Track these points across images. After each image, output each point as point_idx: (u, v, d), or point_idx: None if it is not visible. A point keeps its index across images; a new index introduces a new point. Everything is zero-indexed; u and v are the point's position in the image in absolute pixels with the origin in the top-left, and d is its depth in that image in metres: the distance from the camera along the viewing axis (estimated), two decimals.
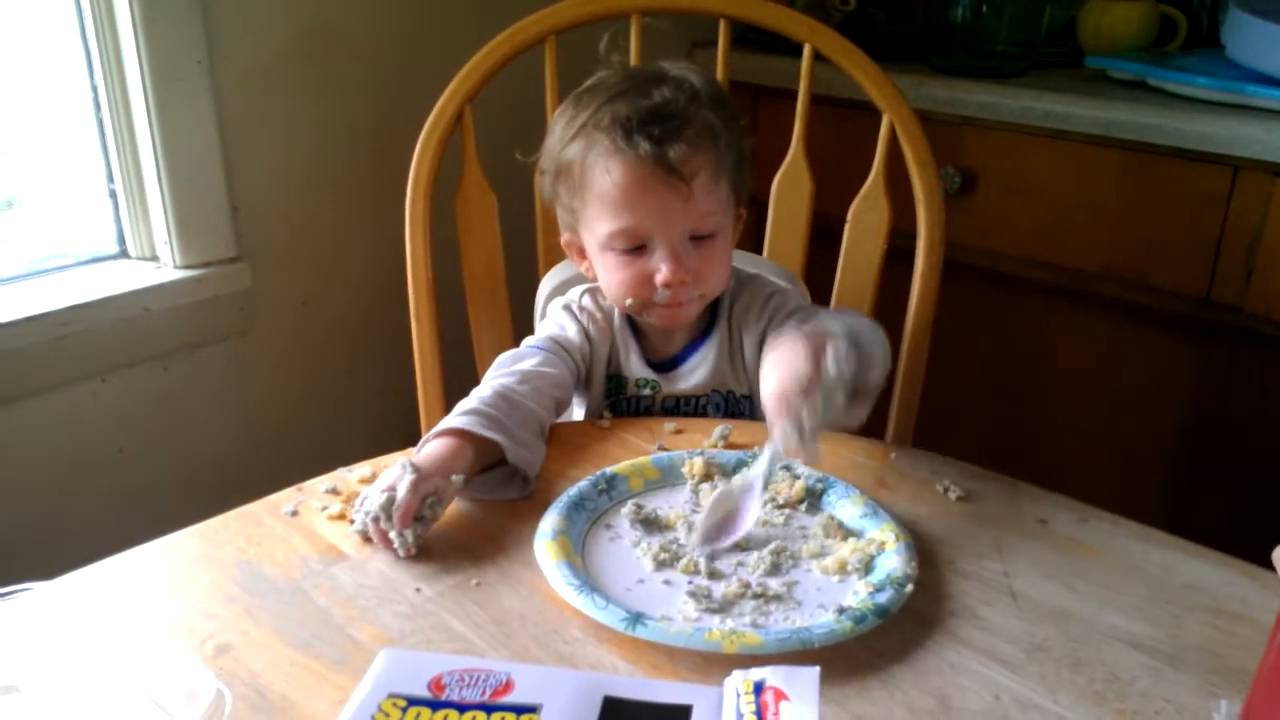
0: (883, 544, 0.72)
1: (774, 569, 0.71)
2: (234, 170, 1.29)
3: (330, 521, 0.76)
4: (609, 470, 0.80)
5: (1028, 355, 1.49)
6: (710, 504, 0.75)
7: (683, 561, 0.71)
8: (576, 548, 0.72)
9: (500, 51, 1.14)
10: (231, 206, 1.29)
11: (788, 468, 0.81)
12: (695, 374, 0.98)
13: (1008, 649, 0.64)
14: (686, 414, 0.99)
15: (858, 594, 0.68)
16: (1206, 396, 1.34)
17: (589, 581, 0.68)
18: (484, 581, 0.70)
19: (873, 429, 0.88)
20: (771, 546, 0.72)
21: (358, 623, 0.66)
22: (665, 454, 0.84)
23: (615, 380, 1.01)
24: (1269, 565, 0.71)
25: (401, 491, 0.72)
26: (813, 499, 0.79)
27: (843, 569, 0.71)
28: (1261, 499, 1.32)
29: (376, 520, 0.72)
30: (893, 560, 0.70)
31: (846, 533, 0.75)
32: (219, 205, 1.28)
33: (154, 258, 1.29)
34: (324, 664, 0.62)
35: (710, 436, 0.88)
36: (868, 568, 0.71)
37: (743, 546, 0.74)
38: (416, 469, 0.74)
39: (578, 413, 1.04)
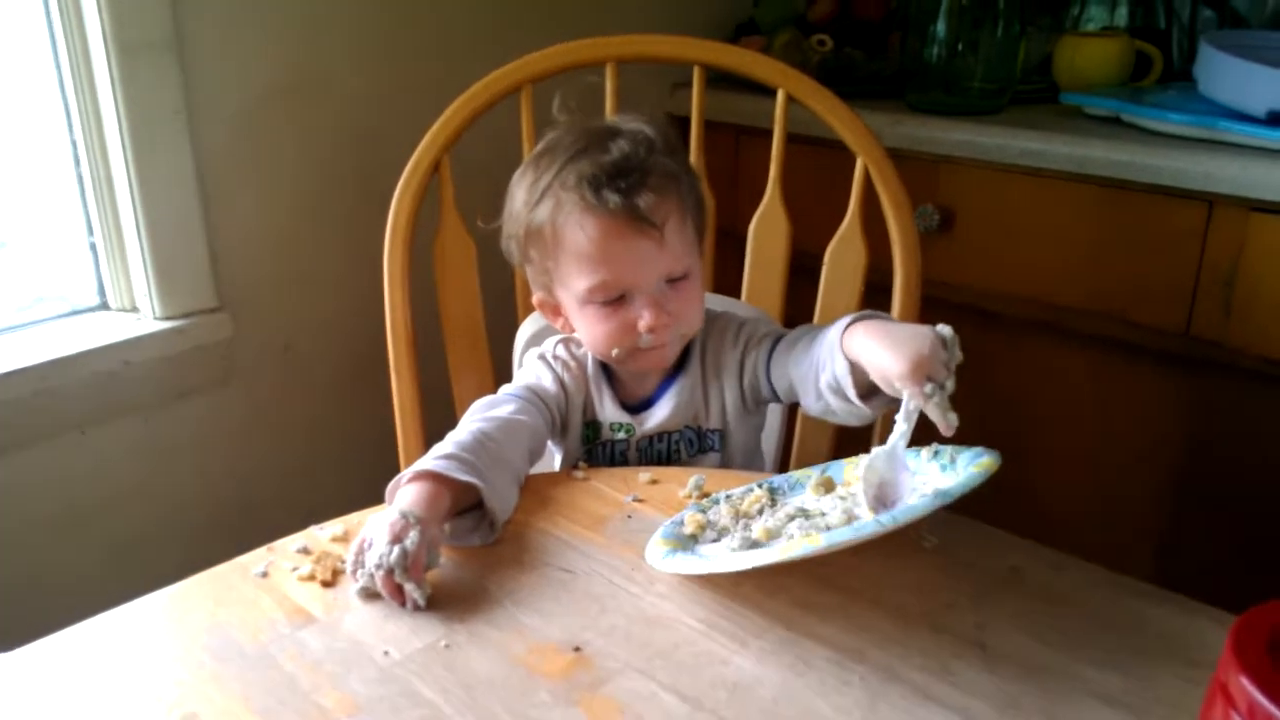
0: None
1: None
2: (213, 220, 1.29)
3: (301, 582, 0.76)
4: (661, 549, 0.76)
5: (1010, 391, 1.49)
6: (864, 480, 0.77)
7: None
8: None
9: (477, 101, 1.15)
10: (211, 256, 1.29)
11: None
12: (664, 410, 0.99)
13: (978, 705, 0.63)
14: (660, 452, 1.00)
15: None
16: (1190, 430, 1.34)
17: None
18: (453, 644, 0.69)
19: None
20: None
21: (324, 689, 0.65)
22: (669, 525, 0.80)
23: (591, 427, 1.01)
24: (1246, 607, 0.71)
25: (412, 543, 0.73)
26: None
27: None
28: (1247, 529, 1.31)
29: (390, 573, 0.72)
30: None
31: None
32: (199, 256, 1.28)
33: (134, 309, 1.29)
34: None
35: (685, 486, 0.88)
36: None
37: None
38: (420, 519, 0.75)
39: (556, 459, 1.04)
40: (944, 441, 0.79)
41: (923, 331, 0.79)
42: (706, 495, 0.86)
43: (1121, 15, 1.63)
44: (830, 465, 0.86)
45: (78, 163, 1.23)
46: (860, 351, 0.82)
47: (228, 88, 1.27)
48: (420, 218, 1.14)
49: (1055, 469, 1.47)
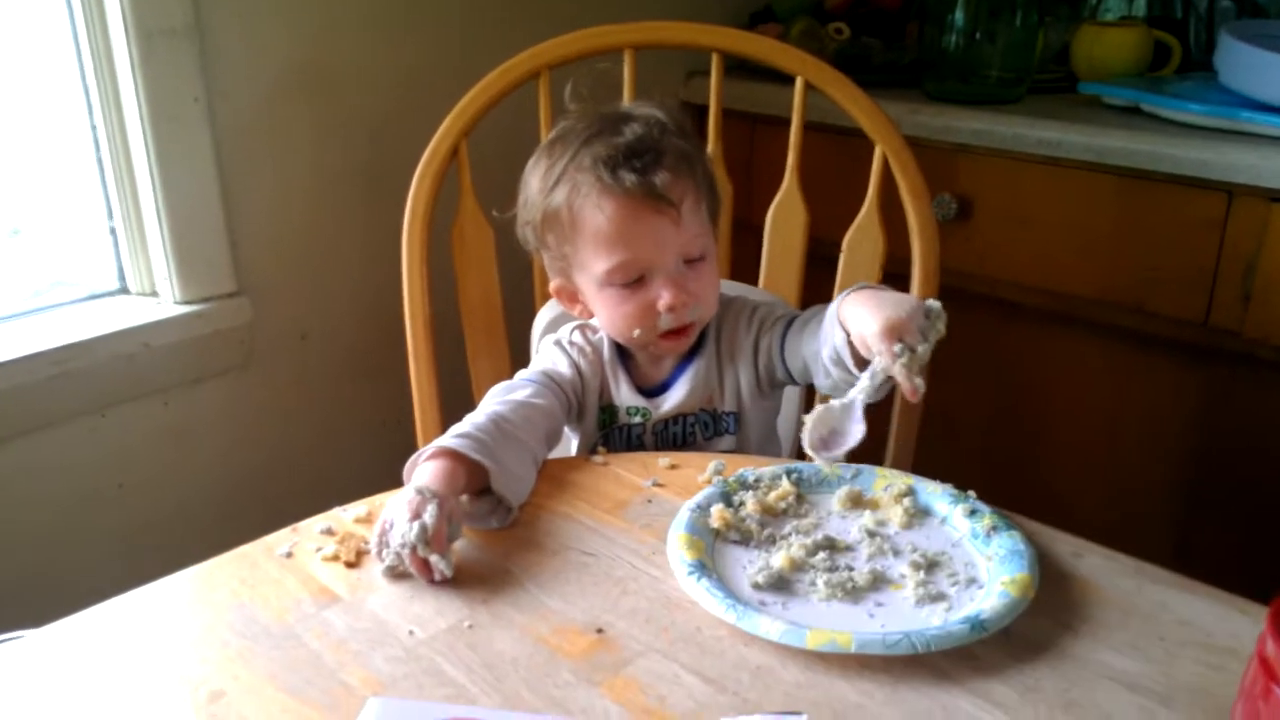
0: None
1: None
2: (233, 205, 1.29)
3: (325, 563, 0.76)
4: (685, 558, 0.74)
5: (1026, 381, 1.49)
6: (813, 420, 0.81)
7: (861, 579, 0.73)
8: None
9: (494, 87, 1.15)
10: (231, 241, 1.30)
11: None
12: (679, 394, 1.00)
13: (1001, 690, 0.64)
14: (675, 435, 1.01)
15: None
16: (1206, 421, 1.34)
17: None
18: (476, 624, 0.70)
19: (873, 456, 0.88)
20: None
21: (350, 667, 0.66)
22: (684, 518, 0.79)
23: (607, 411, 1.02)
24: (1265, 597, 0.71)
25: (431, 516, 0.73)
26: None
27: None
28: (1264, 521, 1.31)
29: (414, 550, 0.73)
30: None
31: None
32: (218, 240, 1.29)
33: (154, 293, 1.30)
34: (316, 710, 0.62)
35: (705, 471, 0.88)
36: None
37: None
38: (436, 494, 0.75)
39: (572, 444, 1.05)
40: (972, 493, 0.80)
41: (908, 299, 0.81)
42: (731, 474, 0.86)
43: (1139, 4, 1.63)
44: (861, 471, 0.85)
45: (98, 148, 1.24)
46: (849, 317, 0.83)
47: (247, 74, 1.28)
48: (437, 205, 1.14)
49: (1071, 459, 1.47)
